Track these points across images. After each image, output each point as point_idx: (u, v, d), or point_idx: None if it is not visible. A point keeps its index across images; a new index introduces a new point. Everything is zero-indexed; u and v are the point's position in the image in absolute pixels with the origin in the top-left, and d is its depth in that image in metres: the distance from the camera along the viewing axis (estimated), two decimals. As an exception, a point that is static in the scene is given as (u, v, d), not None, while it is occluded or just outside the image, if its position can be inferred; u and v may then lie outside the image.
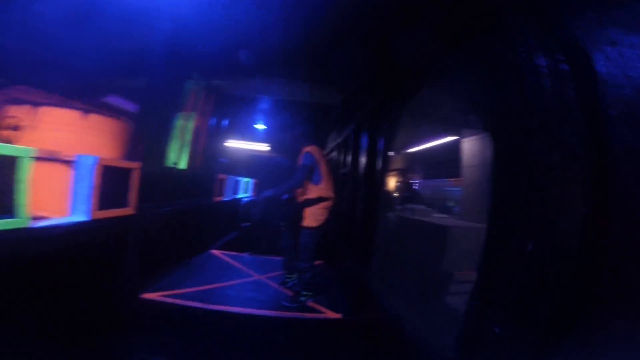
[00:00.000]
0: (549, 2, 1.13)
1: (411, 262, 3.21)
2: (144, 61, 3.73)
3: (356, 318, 2.94)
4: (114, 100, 6.00)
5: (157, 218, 3.34)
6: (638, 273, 0.77)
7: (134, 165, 2.83)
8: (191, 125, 4.76)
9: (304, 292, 3.25)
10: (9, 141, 2.91)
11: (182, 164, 4.52)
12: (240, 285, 3.59)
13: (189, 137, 4.68)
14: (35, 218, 2.02)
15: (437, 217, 4.38)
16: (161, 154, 3.62)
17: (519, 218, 1.03)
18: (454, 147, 4.43)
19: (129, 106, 6.36)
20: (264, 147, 10.65)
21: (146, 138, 3.24)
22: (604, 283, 0.83)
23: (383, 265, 3.13)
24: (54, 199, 2.42)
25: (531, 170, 0.97)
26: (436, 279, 2.77)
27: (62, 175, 2.43)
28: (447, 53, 1.76)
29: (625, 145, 0.78)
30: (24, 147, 1.84)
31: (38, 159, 1.97)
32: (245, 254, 4.92)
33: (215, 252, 4.91)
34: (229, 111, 6.44)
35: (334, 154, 5.83)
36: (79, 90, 5.47)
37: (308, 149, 3.28)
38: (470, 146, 3.99)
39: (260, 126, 8.72)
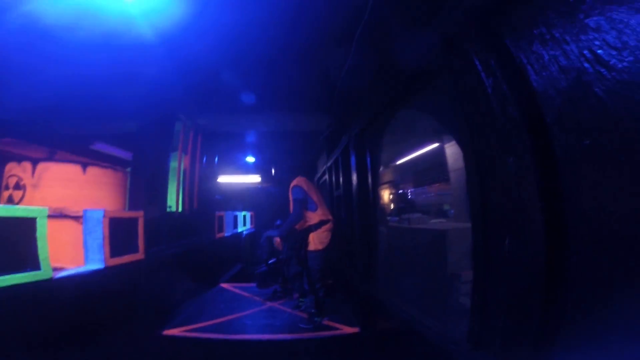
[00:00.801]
0: (493, 27, 1.36)
1: (415, 269, 3.31)
2: (133, 106, 3.92)
3: (372, 329, 3.03)
4: (106, 148, 6.14)
5: (165, 260, 3.43)
6: (595, 253, 0.93)
7: (138, 214, 2.96)
8: (183, 166, 4.91)
9: (318, 312, 3.31)
10: (12, 200, 3.01)
11: (180, 206, 4.64)
12: (255, 314, 3.65)
13: (182, 178, 4.83)
14: (55, 269, 2.13)
15: (434, 223, 4.51)
16: (160, 199, 3.76)
17: (493, 217, 1.21)
18: (440, 153, 4.66)
19: (121, 153, 6.51)
20: (255, 178, 10.81)
21: (144, 186, 3.39)
22: (569, 266, 0.99)
23: (387, 277, 3.24)
24: (68, 251, 2.52)
25: (495, 176, 1.17)
26: (443, 281, 2.87)
27: (73, 229, 2.54)
28: (417, 77, 1.99)
29: (563, 147, 0.97)
30: (39, 207, 1.98)
31: (50, 216, 2.10)
32: (253, 285, 4.95)
33: (224, 285, 4.96)
34: (218, 148, 6.62)
35: (326, 177, 6.00)
36: (68, 139, 5.60)
37: (296, 182, 3.44)
38: (453, 151, 4.23)
39: (250, 159, 8.91)
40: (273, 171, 3.32)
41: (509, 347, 1.20)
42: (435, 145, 4.98)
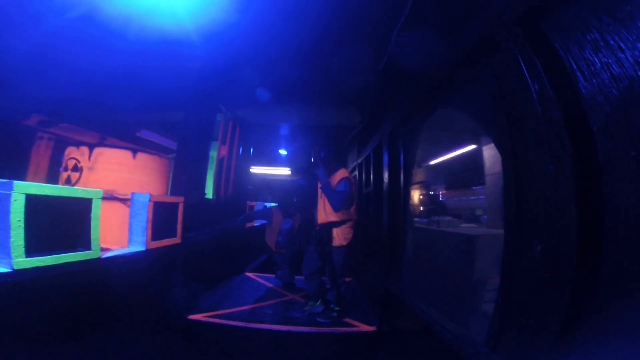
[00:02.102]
0: (539, 27, 1.32)
1: (441, 271, 3.27)
2: (180, 96, 4.17)
3: (390, 328, 3.04)
4: (150, 135, 6.57)
5: (199, 245, 3.63)
6: (631, 265, 0.90)
7: (179, 199, 3.15)
8: (221, 155, 5.14)
9: (336, 307, 3.36)
10: (69, 181, 3.31)
11: (215, 194, 4.86)
12: (276, 305, 3.78)
13: (219, 167, 5.05)
14: (102, 250, 2.33)
15: (464, 227, 4.41)
16: (200, 186, 3.97)
17: (526, 222, 1.19)
18: (476, 156, 4.51)
19: (164, 141, 6.92)
20: (285, 171, 11.03)
21: (186, 173, 3.60)
22: (599, 279, 0.96)
23: (413, 278, 3.22)
24: (113, 231, 2.75)
25: (532, 181, 1.14)
26: (468, 286, 2.83)
27: (120, 211, 2.76)
28: (458, 73, 1.96)
29: (607, 155, 0.93)
30: (95, 189, 2.18)
31: (102, 198, 2.29)
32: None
33: (249, 274, 5.15)
34: (253, 139, 6.84)
35: (355, 173, 6.01)
36: (118, 126, 6.05)
37: (346, 174, 3.33)
38: (490, 154, 4.08)
39: (282, 151, 9.10)
40: (312, 158, 3.27)
41: (527, 352, 1.20)
42: (472, 147, 4.83)
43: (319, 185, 3.37)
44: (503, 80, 1.35)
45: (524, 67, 1.20)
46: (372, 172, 4.25)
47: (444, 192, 7.01)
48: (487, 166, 4.20)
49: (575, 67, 1.13)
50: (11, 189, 1.79)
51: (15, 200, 1.81)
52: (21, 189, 1.83)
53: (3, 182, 1.81)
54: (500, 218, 3.65)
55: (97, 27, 3.16)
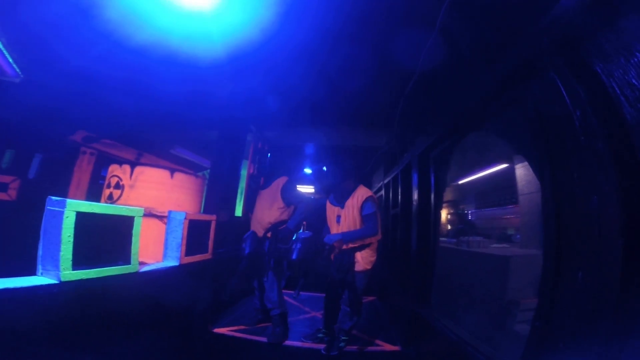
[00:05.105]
0: (579, 53, 1.31)
1: (471, 292, 3.16)
2: (213, 116, 4.35)
3: (416, 349, 2.95)
4: (184, 152, 6.87)
5: (228, 261, 3.72)
6: None
7: (212, 217, 3.27)
8: (250, 173, 5.29)
9: (343, 337, 3.10)
10: (111, 198, 3.51)
11: (244, 212, 4.98)
12: (298, 321, 3.77)
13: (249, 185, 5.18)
14: (139, 264, 2.45)
15: (496, 248, 4.25)
16: (231, 204, 4.10)
17: (567, 250, 1.16)
18: (508, 175, 4.39)
19: (196, 158, 7.21)
20: (309, 189, 11.17)
21: (219, 191, 3.74)
22: None
23: (442, 299, 3.12)
24: (149, 246, 2.88)
25: (574, 211, 1.12)
26: (501, 308, 2.71)
27: (156, 227, 2.90)
28: (493, 99, 1.95)
29: None
30: (137, 208, 2.31)
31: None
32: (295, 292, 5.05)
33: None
34: (281, 159, 6.98)
35: (382, 193, 5.97)
36: (154, 143, 6.37)
37: (370, 193, 3.08)
38: (523, 173, 3.95)
39: (307, 170, 9.22)
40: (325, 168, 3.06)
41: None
42: (504, 166, 4.70)
43: (335, 210, 3.15)
44: (542, 107, 1.34)
45: (565, 95, 1.18)
46: (400, 192, 4.22)
47: (473, 211, 6.81)
48: (520, 186, 4.06)
49: (619, 92, 1.11)
50: (64, 206, 1.94)
51: (67, 217, 1.95)
52: (72, 207, 1.98)
53: (57, 200, 1.96)
54: (533, 238, 3.51)
55: (139, 55, 3.39)
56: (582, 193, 1.09)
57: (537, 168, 1.40)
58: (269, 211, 3.26)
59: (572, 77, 1.23)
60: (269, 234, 3.23)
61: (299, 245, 3.10)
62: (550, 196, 1.26)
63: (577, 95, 1.16)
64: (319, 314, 4.01)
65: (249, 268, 3.27)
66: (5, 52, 3.47)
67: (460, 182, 6.22)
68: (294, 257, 3.05)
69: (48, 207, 1.96)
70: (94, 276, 2.07)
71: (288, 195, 3.25)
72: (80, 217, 2.00)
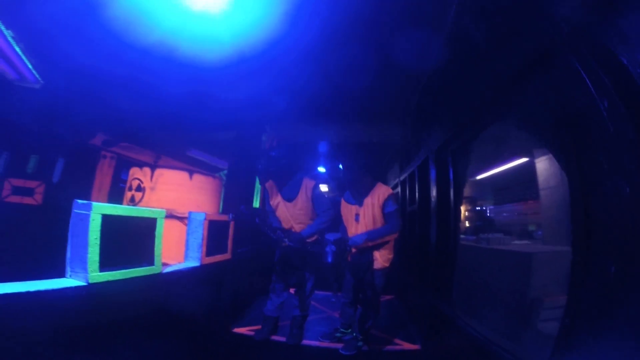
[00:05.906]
0: (600, 40, 1.26)
1: (494, 289, 3.10)
2: (231, 117, 4.39)
3: (436, 347, 2.92)
4: (201, 155, 6.98)
5: (247, 261, 3.77)
6: None
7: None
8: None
9: (360, 336, 3.06)
10: (133, 200, 3.61)
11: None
12: (315, 321, 3.78)
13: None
14: (162, 265, 2.51)
15: (516, 244, 4.16)
16: (249, 204, 4.15)
17: (598, 243, 1.12)
18: (528, 170, 4.28)
19: (212, 160, 7.31)
20: (324, 187, 11.18)
21: (237, 191, 3.80)
22: None
23: (462, 296, 3.08)
24: (171, 247, 2.94)
25: (604, 203, 1.08)
26: (522, 304, 2.66)
27: (177, 228, 2.96)
28: (511, 90, 1.90)
29: None
30: (159, 209, 2.37)
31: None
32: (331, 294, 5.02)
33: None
34: (295, 157, 7.00)
35: (398, 190, 5.92)
36: (169, 146, 6.47)
37: (389, 191, 3.01)
38: (544, 167, 3.84)
39: (321, 169, 9.22)
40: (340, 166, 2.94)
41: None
42: (523, 160, 4.59)
43: (353, 209, 3.07)
44: (566, 97, 1.30)
45: (589, 83, 1.15)
46: (417, 189, 4.17)
47: (492, 207, 6.67)
48: (541, 180, 3.95)
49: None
50: (90, 209, 2.00)
51: (93, 220, 2.02)
52: (98, 210, 2.04)
53: (84, 204, 2.02)
54: (555, 234, 3.41)
55: (151, 57, 3.43)
56: (612, 184, 1.05)
57: (562, 159, 1.36)
58: (298, 211, 3.11)
59: (595, 64, 1.19)
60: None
61: (333, 248, 3.02)
62: (577, 188, 1.23)
63: (602, 83, 1.12)
64: (335, 314, 4.02)
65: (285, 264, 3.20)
66: (24, 58, 3.56)
67: (478, 177, 6.11)
68: (329, 260, 3.02)
69: (75, 210, 2.02)
70: (120, 277, 2.13)
71: (320, 202, 3.10)
72: (106, 219, 2.06)
